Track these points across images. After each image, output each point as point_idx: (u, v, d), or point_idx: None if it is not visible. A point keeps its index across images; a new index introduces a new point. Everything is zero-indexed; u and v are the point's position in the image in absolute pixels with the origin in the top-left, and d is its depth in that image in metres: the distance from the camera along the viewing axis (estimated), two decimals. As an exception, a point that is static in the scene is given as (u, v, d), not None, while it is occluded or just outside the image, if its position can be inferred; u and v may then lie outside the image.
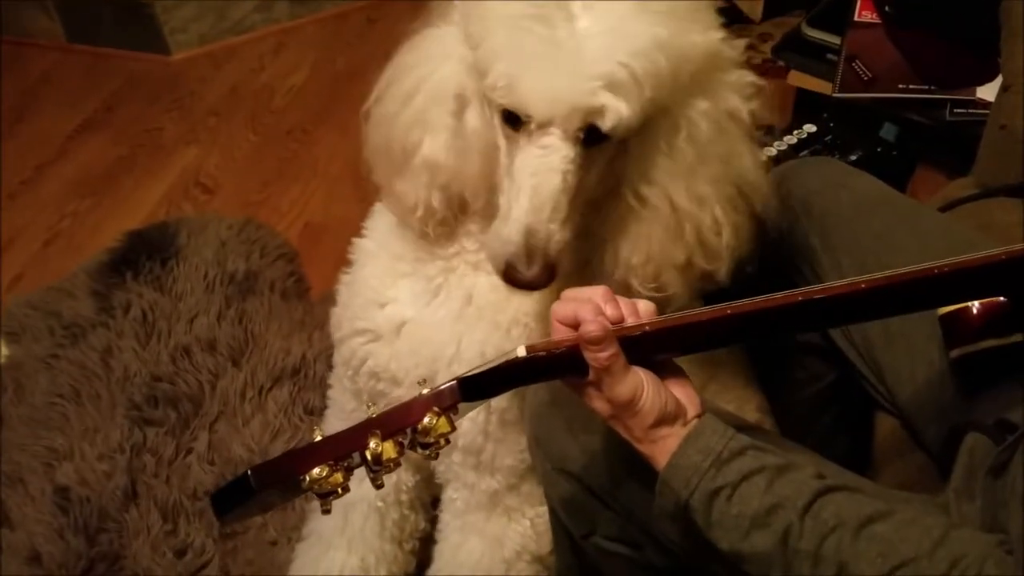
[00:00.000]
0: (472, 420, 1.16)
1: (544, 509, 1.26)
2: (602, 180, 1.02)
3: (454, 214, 1.11)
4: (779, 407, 1.31)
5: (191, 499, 1.70)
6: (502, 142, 1.00)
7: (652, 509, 0.99)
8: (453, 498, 1.28)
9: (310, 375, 1.89)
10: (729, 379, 1.25)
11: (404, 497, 1.42)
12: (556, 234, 0.94)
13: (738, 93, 1.02)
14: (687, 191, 1.01)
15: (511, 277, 0.95)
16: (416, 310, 1.17)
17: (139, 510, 1.69)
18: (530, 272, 0.93)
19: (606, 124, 0.92)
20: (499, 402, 1.15)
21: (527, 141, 0.95)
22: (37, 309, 2.05)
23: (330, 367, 1.88)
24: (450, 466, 1.24)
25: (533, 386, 1.11)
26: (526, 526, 1.28)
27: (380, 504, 1.40)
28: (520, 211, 0.93)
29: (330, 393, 1.45)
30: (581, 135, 0.94)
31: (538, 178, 0.93)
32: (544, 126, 0.93)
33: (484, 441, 1.18)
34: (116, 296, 2.05)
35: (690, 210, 1.01)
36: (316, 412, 1.82)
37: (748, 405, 1.27)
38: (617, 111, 0.91)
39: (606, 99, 0.90)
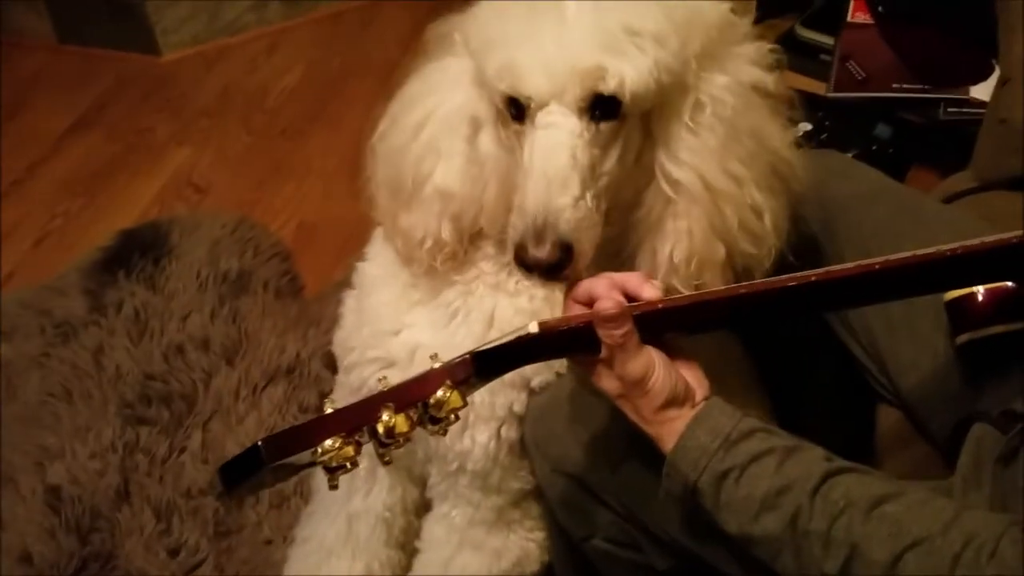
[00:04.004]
0: (484, 448, 1.14)
1: (540, 524, 1.26)
2: (628, 172, 0.98)
3: (463, 246, 1.09)
4: (780, 400, 1.31)
5: (185, 498, 1.68)
6: (515, 144, 0.97)
7: (654, 504, 0.99)
8: (450, 514, 1.26)
9: (305, 373, 1.87)
10: (734, 377, 1.24)
11: (410, 505, 1.40)
12: (567, 211, 0.89)
13: (757, 64, 1.00)
14: (721, 170, 0.97)
15: (522, 259, 0.90)
16: (432, 334, 1.14)
17: (132, 509, 1.67)
18: (540, 251, 0.88)
19: (609, 86, 0.89)
20: (509, 433, 1.13)
21: (532, 127, 0.93)
22: (28, 308, 2.03)
23: (325, 366, 1.89)
24: (454, 486, 1.22)
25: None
26: (525, 537, 1.27)
27: (387, 514, 1.38)
28: (528, 192, 0.90)
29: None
30: (585, 105, 0.91)
31: (544, 157, 0.90)
32: (545, 104, 0.91)
33: (493, 467, 1.16)
34: (108, 295, 2.03)
35: (727, 190, 0.97)
36: (311, 410, 1.81)
37: (752, 401, 1.26)
38: (618, 71, 0.88)
39: (603, 59, 0.88)
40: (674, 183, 0.98)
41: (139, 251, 2.11)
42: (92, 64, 2.82)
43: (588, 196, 0.91)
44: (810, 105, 2.09)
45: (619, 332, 0.84)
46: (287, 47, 2.85)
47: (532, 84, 0.90)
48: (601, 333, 0.84)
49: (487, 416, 1.11)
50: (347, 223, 2.15)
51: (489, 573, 1.25)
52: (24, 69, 2.82)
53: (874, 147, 1.96)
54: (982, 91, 1.94)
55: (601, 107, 0.92)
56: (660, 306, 0.85)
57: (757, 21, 1.05)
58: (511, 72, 0.91)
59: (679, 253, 0.99)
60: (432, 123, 1.04)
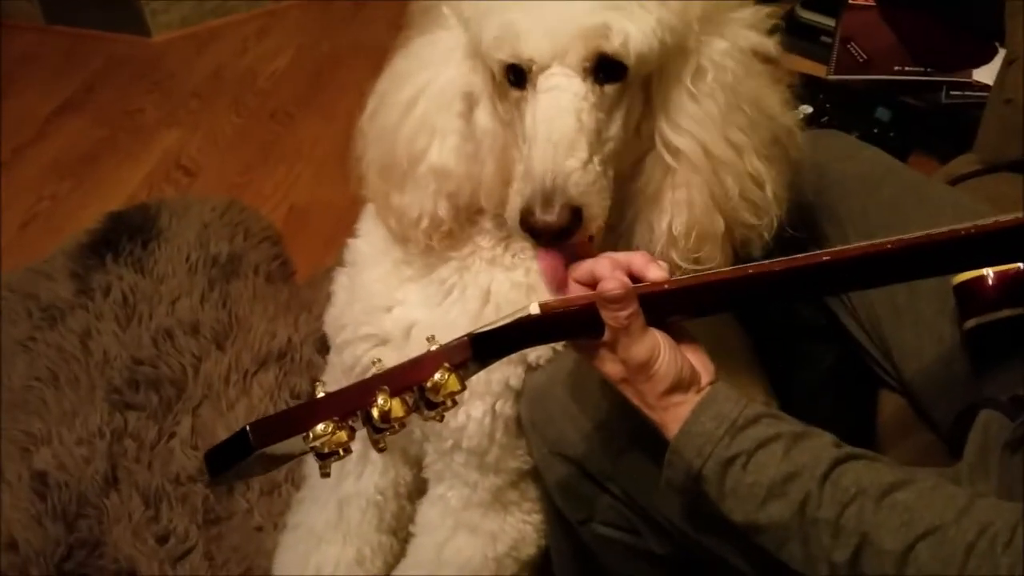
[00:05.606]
0: (479, 423, 1.11)
1: (537, 506, 1.23)
2: (628, 140, 0.95)
3: (460, 224, 1.06)
4: (780, 389, 1.29)
5: (174, 484, 1.66)
6: (514, 113, 0.94)
7: (655, 489, 0.96)
8: (446, 495, 1.23)
9: (296, 359, 1.85)
10: (735, 366, 1.22)
11: (403, 489, 1.38)
12: (575, 174, 0.86)
13: (756, 29, 0.97)
14: (722, 138, 0.94)
15: (529, 224, 0.85)
16: (427, 311, 1.11)
17: (120, 496, 1.64)
18: (548, 215, 0.84)
19: (613, 44, 0.86)
20: (505, 409, 1.11)
21: (535, 91, 0.89)
22: (14, 291, 2.00)
23: (317, 351, 1.86)
24: (450, 465, 1.19)
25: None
26: (522, 519, 1.24)
27: (379, 498, 1.36)
28: (534, 156, 0.87)
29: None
30: (589, 66, 0.88)
31: (550, 121, 0.87)
32: (547, 66, 0.88)
33: (490, 445, 1.14)
34: (95, 278, 2.00)
35: (728, 159, 0.95)
36: (302, 396, 1.79)
37: (754, 390, 1.24)
38: (622, 29, 0.86)
39: (607, 16, 0.85)
40: (675, 151, 0.95)
41: (127, 234, 2.09)
42: (81, 45, 2.78)
43: (596, 160, 0.89)
44: (811, 88, 2.07)
45: (623, 314, 0.81)
46: (278, 29, 2.82)
47: (533, 46, 0.87)
48: (605, 315, 0.82)
49: (482, 391, 1.08)
50: (338, 207, 2.12)
51: (484, 557, 1.23)
52: (11, 51, 2.78)
53: (875, 130, 1.94)
54: (985, 74, 1.92)
55: (605, 69, 0.89)
56: (666, 287, 0.83)
57: (757, 3, 1.02)
58: (511, 34, 0.88)
59: (679, 225, 0.96)
60: (424, 100, 1.01)
